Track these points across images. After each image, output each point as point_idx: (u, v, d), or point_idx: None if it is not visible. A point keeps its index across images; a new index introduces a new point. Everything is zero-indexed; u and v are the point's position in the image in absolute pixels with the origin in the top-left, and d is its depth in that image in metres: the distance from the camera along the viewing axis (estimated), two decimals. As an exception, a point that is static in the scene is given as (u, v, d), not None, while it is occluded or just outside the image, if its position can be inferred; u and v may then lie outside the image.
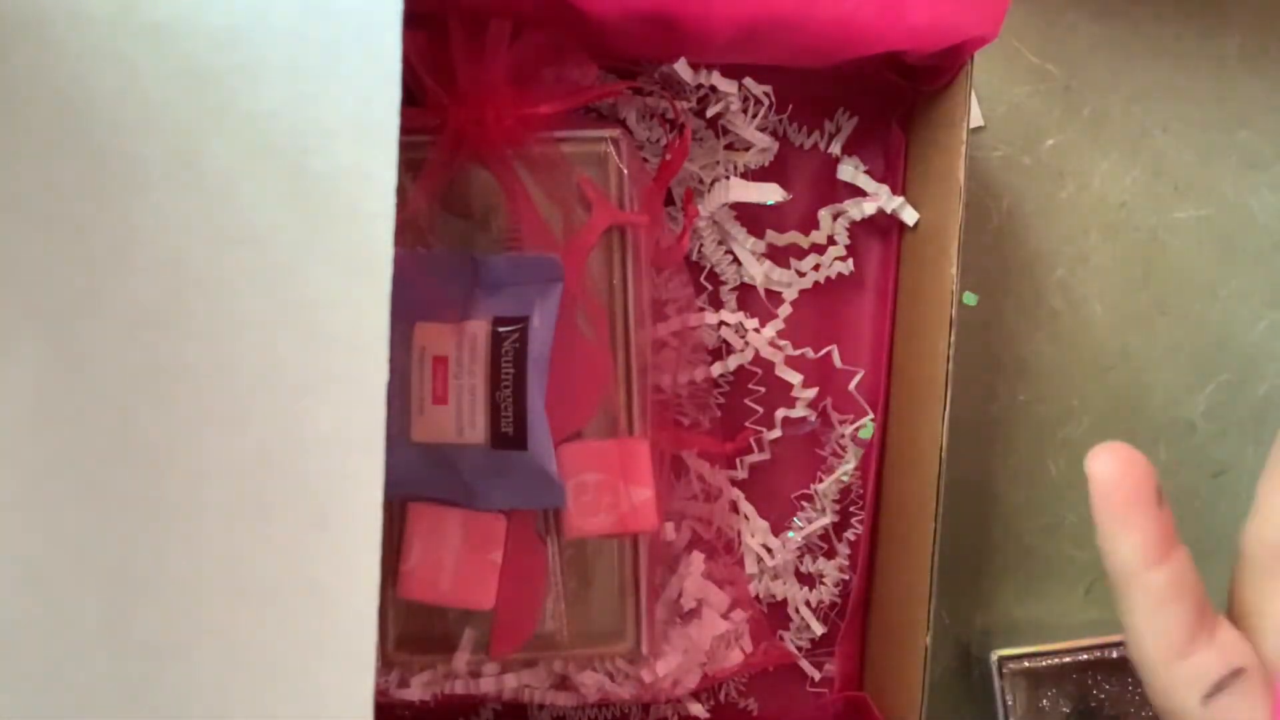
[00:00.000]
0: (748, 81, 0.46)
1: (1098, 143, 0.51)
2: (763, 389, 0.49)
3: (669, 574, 0.47)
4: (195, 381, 0.32)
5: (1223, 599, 0.40)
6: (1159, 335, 0.51)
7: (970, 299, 0.48)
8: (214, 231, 0.32)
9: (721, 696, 0.49)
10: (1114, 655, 0.47)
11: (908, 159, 0.49)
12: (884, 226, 0.49)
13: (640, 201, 0.44)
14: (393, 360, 0.31)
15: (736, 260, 0.49)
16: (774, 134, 0.48)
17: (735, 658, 0.48)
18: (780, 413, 0.48)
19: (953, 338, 0.43)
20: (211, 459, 0.31)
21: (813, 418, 0.49)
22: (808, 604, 0.49)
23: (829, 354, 0.48)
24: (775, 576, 0.49)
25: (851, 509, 0.49)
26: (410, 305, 0.40)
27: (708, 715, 0.48)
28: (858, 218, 0.48)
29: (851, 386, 0.48)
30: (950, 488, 0.43)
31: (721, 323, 0.48)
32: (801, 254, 0.49)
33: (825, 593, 0.49)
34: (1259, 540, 0.31)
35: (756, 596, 0.49)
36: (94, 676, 0.31)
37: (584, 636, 0.44)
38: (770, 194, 0.48)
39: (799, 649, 0.49)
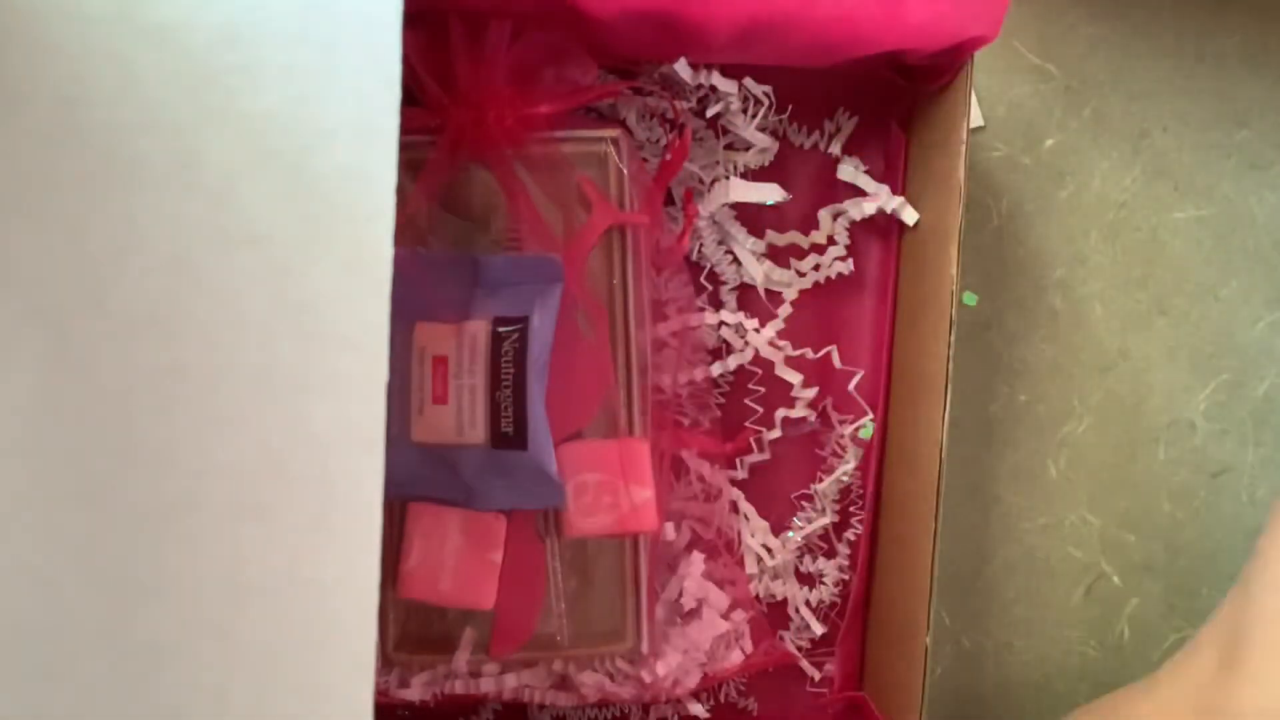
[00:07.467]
0: (748, 81, 0.46)
1: (1098, 143, 0.51)
2: (763, 389, 0.49)
3: (669, 574, 0.47)
4: (195, 381, 0.32)
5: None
6: (1159, 335, 0.51)
7: (970, 299, 0.48)
8: (214, 231, 0.32)
9: (721, 696, 0.49)
10: None
11: (908, 159, 0.49)
12: (884, 226, 0.49)
13: (640, 201, 0.44)
14: (393, 360, 0.31)
15: (736, 260, 0.49)
16: (774, 134, 0.48)
17: (735, 658, 0.48)
18: (780, 413, 0.48)
19: (953, 338, 0.43)
20: (211, 459, 0.31)
21: (813, 418, 0.49)
22: (808, 604, 0.49)
23: (829, 354, 0.48)
24: (775, 576, 0.49)
25: (851, 509, 0.49)
26: (410, 305, 0.40)
27: (708, 715, 0.48)
28: (858, 218, 0.48)
29: (851, 386, 0.48)
30: (950, 488, 0.43)
31: (721, 323, 0.48)
32: (801, 254, 0.49)
33: (825, 593, 0.49)
34: None
35: (756, 596, 0.49)
36: (94, 676, 0.31)
37: (584, 636, 0.44)
38: (770, 194, 0.48)
39: (799, 649, 0.49)
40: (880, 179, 0.48)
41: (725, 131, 0.48)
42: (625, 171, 0.43)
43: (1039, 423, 0.51)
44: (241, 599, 0.31)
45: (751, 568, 0.49)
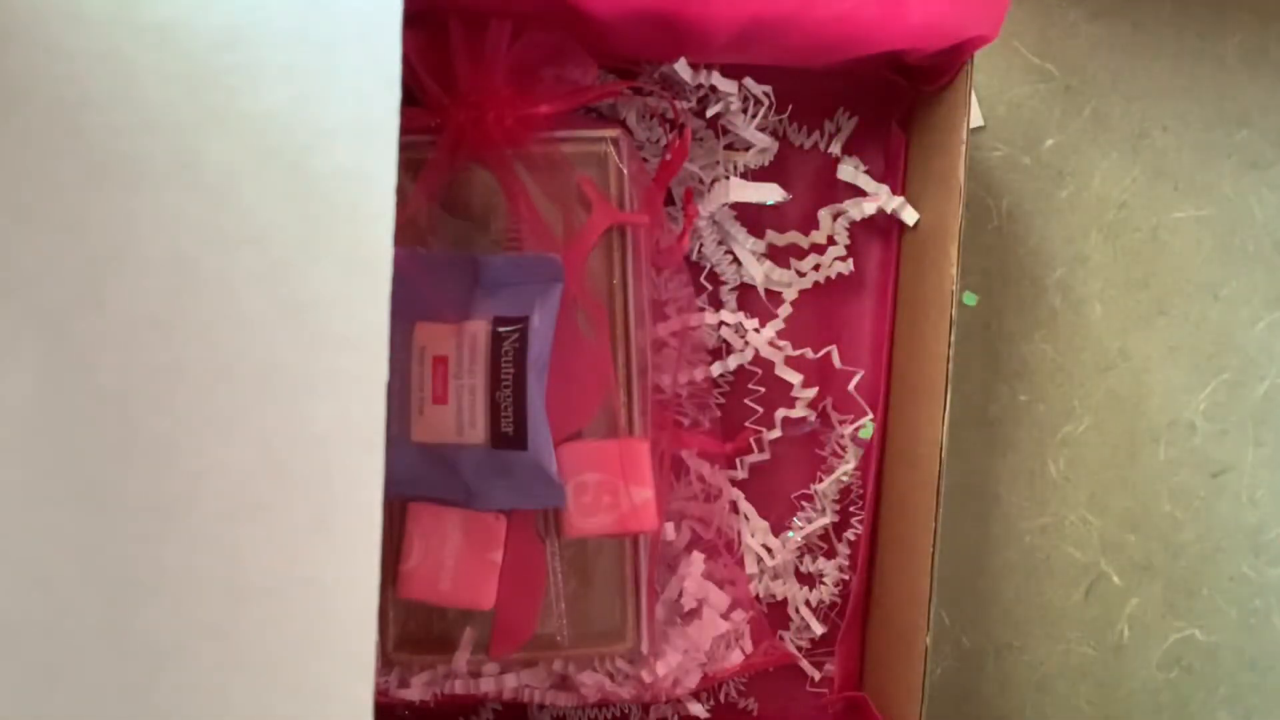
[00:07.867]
0: (748, 81, 0.46)
1: (1098, 143, 0.51)
2: (763, 389, 0.49)
3: (669, 574, 0.47)
4: (195, 381, 0.32)
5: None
6: (1159, 335, 0.51)
7: (970, 299, 0.48)
8: (214, 231, 0.32)
9: (721, 696, 0.49)
10: None
11: (908, 159, 0.49)
12: (884, 226, 0.49)
13: (640, 201, 0.44)
14: (393, 360, 0.31)
15: (736, 260, 0.49)
16: (774, 134, 0.48)
17: (735, 658, 0.48)
18: (780, 413, 0.48)
19: (953, 338, 0.43)
20: (211, 459, 0.31)
21: (813, 418, 0.49)
22: (808, 604, 0.49)
23: (829, 354, 0.48)
24: (775, 576, 0.49)
25: (851, 509, 0.49)
26: (410, 305, 0.40)
27: (708, 715, 0.48)
28: (858, 218, 0.48)
29: (851, 386, 0.48)
30: (950, 488, 0.43)
31: (721, 323, 0.48)
32: (801, 254, 0.49)
33: (825, 593, 0.49)
34: None
35: (756, 596, 0.49)
36: (94, 676, 0.31)
37: (584, 636, 0.44)
38: (770, 194, 0.48)
39: (799, 649, 0.49)
40: (880, 179, 0.48)
41: (725, 131, 0.48)
42: (625, 171, 0.43)
43: (1039, 423, 0.51)
44: (241, 599, 0.31)
45: (751, 568, 0.49)
